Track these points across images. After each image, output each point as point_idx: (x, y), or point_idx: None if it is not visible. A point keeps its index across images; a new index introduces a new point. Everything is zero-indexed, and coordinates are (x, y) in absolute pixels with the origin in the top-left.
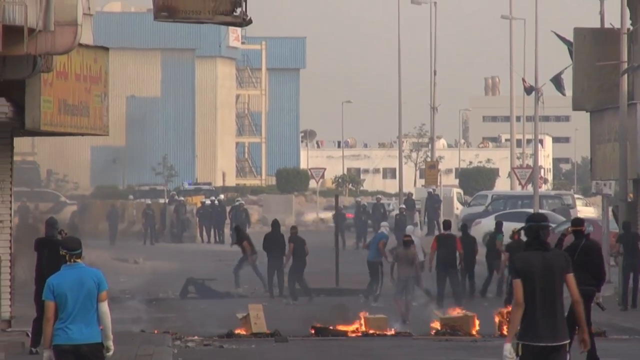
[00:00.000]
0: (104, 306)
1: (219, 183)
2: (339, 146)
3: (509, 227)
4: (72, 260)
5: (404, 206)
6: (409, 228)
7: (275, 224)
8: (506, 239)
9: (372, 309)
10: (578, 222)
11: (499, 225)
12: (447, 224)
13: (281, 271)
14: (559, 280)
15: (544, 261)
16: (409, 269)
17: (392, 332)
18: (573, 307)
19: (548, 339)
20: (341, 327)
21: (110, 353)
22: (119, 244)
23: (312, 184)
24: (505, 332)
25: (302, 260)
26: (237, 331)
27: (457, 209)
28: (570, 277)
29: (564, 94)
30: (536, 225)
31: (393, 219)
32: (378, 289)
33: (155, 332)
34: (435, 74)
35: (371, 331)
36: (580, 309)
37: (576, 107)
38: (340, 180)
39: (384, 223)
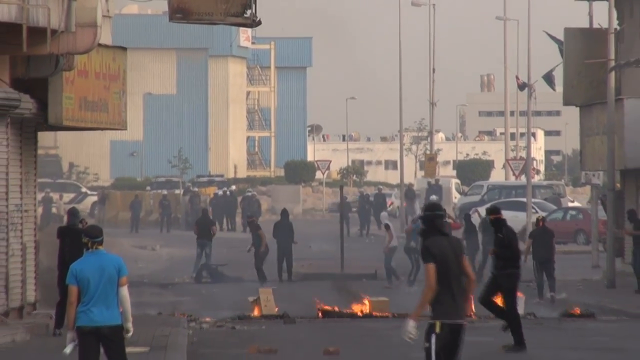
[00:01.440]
0: (124, 290)
1: (231, 175)
2: (343, 140)
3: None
4: (93, 247)
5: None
6: (383, 215)
7: (284, 213)
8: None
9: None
10: (494, 210)
11: (466, 217)
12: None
13: (290, 257)
14: (461, 263)
15: (450, 245)
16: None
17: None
18: (467, 285)
19: (461, 316)
20: (346, 310)
21: (130, 334)
22: (138, 232)
23: (319, 175)
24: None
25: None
26: (248, 313)
27: (455, 198)
28: (466, 260)
29: (554, 90)
30: (432, 214)
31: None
32: (413, 274)
33: (180, 315)
34: (434, 71)
35: (374, 313)
36: (473, 286)
37: (566, 102)
38: (345, 171)
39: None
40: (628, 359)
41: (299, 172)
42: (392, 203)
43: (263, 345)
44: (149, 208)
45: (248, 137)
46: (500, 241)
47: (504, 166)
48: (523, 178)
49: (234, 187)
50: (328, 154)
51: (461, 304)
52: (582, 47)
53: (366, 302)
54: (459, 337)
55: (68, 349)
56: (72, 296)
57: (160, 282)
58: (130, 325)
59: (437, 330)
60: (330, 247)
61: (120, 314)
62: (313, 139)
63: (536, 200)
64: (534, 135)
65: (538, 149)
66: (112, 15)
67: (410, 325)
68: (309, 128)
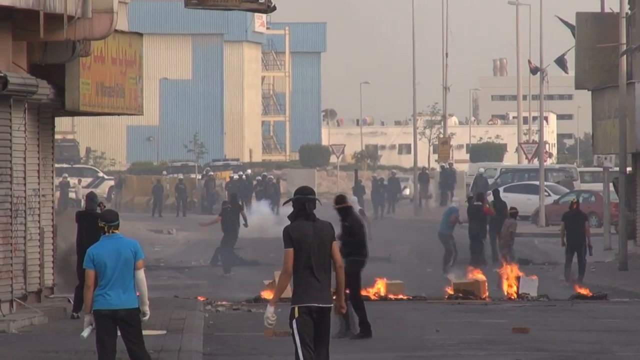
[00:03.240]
0: (141, 274)
1: (246, 159)
2: (357, 124)
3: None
4: (110, 231)
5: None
6: (353, 199)
7: (233, 197)
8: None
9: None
10: (340, 200)
11: (495, 193)
12: (479, 196)
13: None
14: (328, 248)
15: (314, 230)
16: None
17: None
18: (336, 271)
19: (322, 300)
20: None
21: (147, 317)
22: (154, 216)
23: (333, 159)
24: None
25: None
26: (263, 296)
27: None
28: (335, 245)
29: (567, 72)
30: (303, 197)
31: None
32: (452, 260)
33: (201, 298)
34: (447, 56)
35: (389, 295)
36: (342, 273)
37: (578, 86)
38: (359, 155)
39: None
40: None
41: (314, 156)
42: (405, 187)
43: (279, 328)
44: (165, 192)
45: (263, 122)
46: (347, 229)
47: (516, 150)
48: (536, 161)
49: (249, 171)
50: (342, 138)
51: (323, 288)
52: (594, 31)
53: (382, 284)
54: (323, 320)
55: (85, 332)
56: (89, 280)
57: (176, 266)
58: (147, 309)
59: (296, 315)
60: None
61: (137, 298)
62: (327, 123)
63: (549, 183)
64: (546, 119)
65: (550, 133)
66: (128, 2)
67: (268, 310)
68: (324, 112)
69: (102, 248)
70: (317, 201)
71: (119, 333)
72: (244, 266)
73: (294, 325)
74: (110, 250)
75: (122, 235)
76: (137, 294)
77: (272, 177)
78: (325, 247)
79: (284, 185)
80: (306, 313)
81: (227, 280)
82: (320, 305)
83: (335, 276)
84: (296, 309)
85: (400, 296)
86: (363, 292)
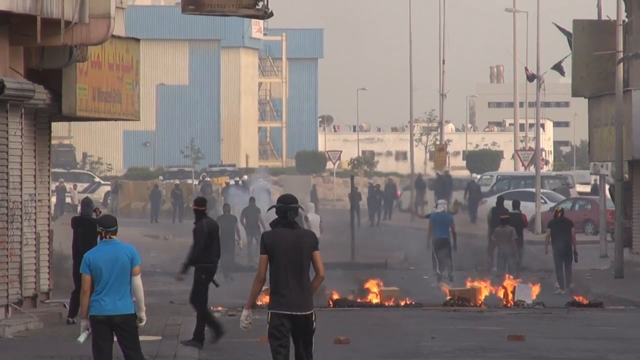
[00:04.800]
0: (137, 279)
1: (243, 165)
2: (354, 130)
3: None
4: (107, 237)
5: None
6: (310, 205)
7: (252, 201)
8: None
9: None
10: (200, 202)
11: (500, 200)
12: (515, 204)
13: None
14: (307, 256)
15: (292, 238)
16: (507, 245)
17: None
18: (314, 279)
19: (296, 308)
20: (357, 299)
21: (143, 323)
22: (158, 222)
23: (329, 165)
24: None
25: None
26: (259, 302)
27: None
28: (317, 254)
29: (563, 75)
30: (285, 206)
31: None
32: (445, 267)
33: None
34: (444, 63)
35: (385, 302)
36: (318, 282)
37: (575, 93)
38: (355, 162)
39: (441, 201)
40: (635, 348)
41: (310, 162)
42: (400, 193)
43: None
44: (163, 198)
45: (260, 128)
46: (194, 233)
47: (513, 157)
48: (532, 168)
49: (245, 176)
50: (339, 145)
51: (300, 295)
52: (591, 38)
53: (378, 291)
54: (302, 327)
55: (82, 338)
56: (85, 285)
57: (172, 271)
58: (143, 315)
59: (269, 319)
60: (341, 236)
61: (134, 303)
62: (324, 129)
63: (545, 190)
64: (542, 126)
65: (547, 140)
66: (125, 7)
67: (243, 314)
68: (320, 119)
69: (99, 253)
70: (299, 209)
71: (115, 339)
72: (239, 272)
73: (268, 330)
74: (106, 256)
75: (119, 241)
76: (134, 299)
77: (265, 182)
78: (302, 254)
79: (280, 191)
80: (279, 318)
81: (223, 285)
82: (293, 313)
83: (313, 284)
84: (269, 315)
85: (397, 303)
86: (363, 299)
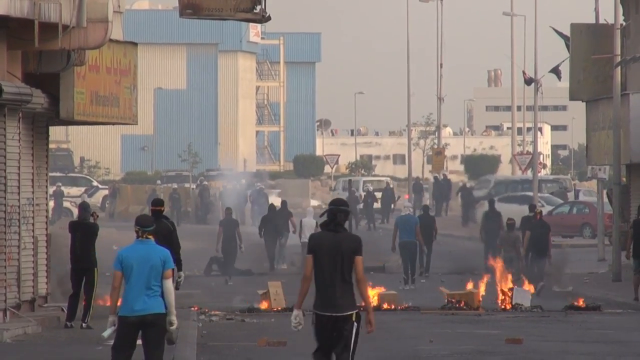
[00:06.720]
0: (168, 283)
1: (241, 169)
2: (352, 134)
3: (511, 209)
4: (143, 236)
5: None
6: (309, 210)
7: (283, 204)
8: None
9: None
10: (157, 203)
11: (491, 203)
12: (531, 207)
13: (283, 246)
14: (347, 260)
15: (333, 241)
16: (512, 250)
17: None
18: (358, 285)
19: (332, 309)
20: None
21: (174, 327)
22: None
23: (327, 169)
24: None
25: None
26: (257, 306)
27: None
28: (358, 259)
29: (559, 79)
30: (336, 208)
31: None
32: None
33: (194, 308)
34: (441, 66)
35: (384, 306)
36: (361, 286)
37: (573, 97)
38: (353, 166)
39: (406, 204)
40: (633, 351)
41: (308, 166)
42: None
43: (272, 337)
44: None
45: (257, 132)
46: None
47: (511, 161)
48: (530, 172)
49: (243, 180)
50: (337, 148)
51: (338, 298)
52: (588, 42)
53: (376, 294)
54: (339, 329)
55: (107, 333)
56: (115, 281)
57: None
58: (174, 318)
59: (314, 320)
60: None
61: (164, 304)
62: (322, 133)
63: (543, 194)
64: (540, 130)
65: (545, 144)
66: (123, 11)
67: (294, 314)
68: (318, 122)
69: (132, 251)
70: (349, 213)
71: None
72: (238, 276)
73: (313, 329)
74: (139, 255)
75: (154, 242)
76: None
77: (263, 186)
78: (342, 258)
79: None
80: (320, 320)
81: (221, 289)
82: (331, 314)
83: (360, 292)
84: (314, 315)
85: (395, 306)
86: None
